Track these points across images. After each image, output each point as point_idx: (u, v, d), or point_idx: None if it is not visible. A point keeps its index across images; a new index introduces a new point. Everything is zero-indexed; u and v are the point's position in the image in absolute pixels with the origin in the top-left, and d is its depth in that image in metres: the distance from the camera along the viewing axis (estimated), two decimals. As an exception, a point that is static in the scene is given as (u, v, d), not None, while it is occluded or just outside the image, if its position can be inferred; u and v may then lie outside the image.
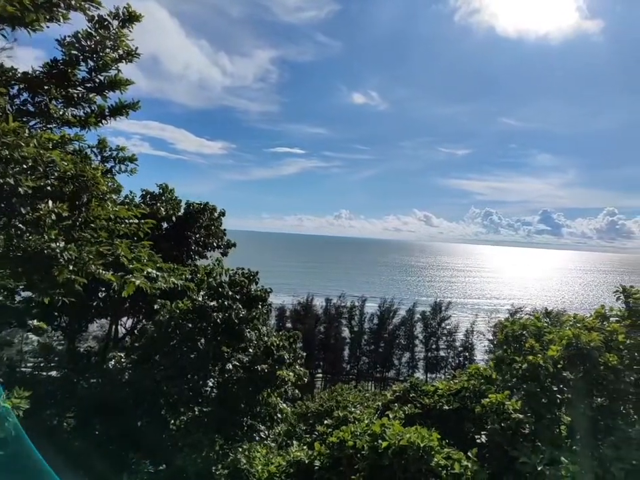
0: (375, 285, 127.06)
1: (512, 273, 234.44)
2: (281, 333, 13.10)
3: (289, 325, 52.47)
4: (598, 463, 7.40)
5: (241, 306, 11.84)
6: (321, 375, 54.60)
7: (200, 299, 11.72)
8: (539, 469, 7.29)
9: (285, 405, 11.53)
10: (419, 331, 58.05)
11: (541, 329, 9.60)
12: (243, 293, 12.16)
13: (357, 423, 10.17)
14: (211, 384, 11.56)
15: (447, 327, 57.55)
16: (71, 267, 5.28)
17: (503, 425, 8.48)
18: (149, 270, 6.40)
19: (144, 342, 12.11)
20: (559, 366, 8.89)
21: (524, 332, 9.51)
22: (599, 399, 8.72)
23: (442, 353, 57.10)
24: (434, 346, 57.07)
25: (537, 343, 9.01)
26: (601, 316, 9.30)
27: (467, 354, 55.49)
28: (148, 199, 15.52)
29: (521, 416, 8.36)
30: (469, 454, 7.97)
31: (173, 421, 11.32)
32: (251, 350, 11.64)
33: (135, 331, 15.14)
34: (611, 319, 9.29)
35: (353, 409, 11.55)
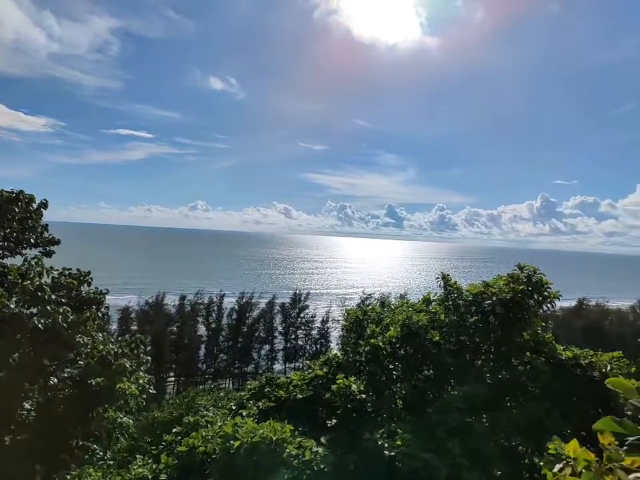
0: (235, 279, 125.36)
1: (364, 263, 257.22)
2: (121, 338, 11.63)
3: (134, 327, 47.98)
4: (427, 428, 8.40)
5: (69, 309, 10.08)
6: (173, 379, 51.40)
7: (13, 305, 9.58)
8: (380, 442, 7.94)
9: (126, 419, 10.28)
10: (278, 323, 59.26)
11: (380, 315, 10.52)
12: (70, 297, 10.37)
13: (209, 426, 9.67)
14: (27, 406, 9.59)
15: (305, 317, 60.01)
16: None
17: (349, 406, 9.03)
18: None
19: None
20: (396, 346, 9.89)
21: (365, 318, 10.30)
22: (427, 372, 9.96)
23: (300, 342, 59.39)
24: (293, 336, 58.99)
25: (377, 327, 9.84)
26: (427, 300, 10.68)
27: (323, 341, 58.81)
28: None
29: (364, 396, 9.01)
30: (322, 440, 8.28)
31: (-28, 460, 9.05)
32: (81, 362, 10.01)
33: None
34: (433, 303, 10.74)
35: (205, 413, 10.93)
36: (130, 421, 10.45)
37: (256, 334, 57.02)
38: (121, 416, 10.02)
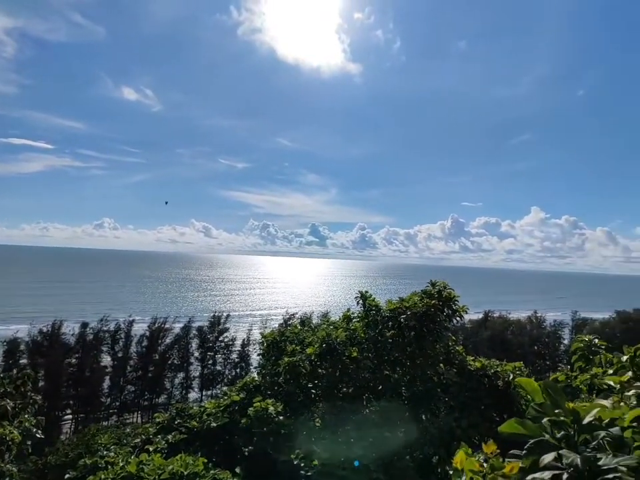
0: (147, 304, 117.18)
1: (287, 282, 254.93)
2: (4, 375, 10.06)
3: (24, 361, 42.28)
4: (344, 445, 8.36)
5: None
6: (71, 416, 45.75)
7: None
8: (295, 463, 7.74)
9: (8, 466, 8.79)
10: (195, 348, 56.12)
11: (299, 334, 10.42)
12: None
13: (109, 468, 8.64)
14: None
15: (225, 341, 57.53)
16: None
17: (265, 429, 8.70)
18: None
19: None
20: (316, 363, 9.82)
21: (282, 339, 10.13)
22: (346, 389, 10.00)
23: (219, 367, 56.64)
24: (210, 361, 56.11)
25: (297, 347, 9.71)
26: (347, 317, 10.84)
27: (243, 364, 56.73)
28: None
29: (281, 418, 8.75)
30: (236, 469, 7.85)
31: None
32: (-51, 404, 8.43)
33: None
34: (354, 320, 10.94)
35: (106, 453, 9.72)
36: (14, 468, 8.97)
37: (169, 361, 53.31)
38: (1, 465, 8.55)
